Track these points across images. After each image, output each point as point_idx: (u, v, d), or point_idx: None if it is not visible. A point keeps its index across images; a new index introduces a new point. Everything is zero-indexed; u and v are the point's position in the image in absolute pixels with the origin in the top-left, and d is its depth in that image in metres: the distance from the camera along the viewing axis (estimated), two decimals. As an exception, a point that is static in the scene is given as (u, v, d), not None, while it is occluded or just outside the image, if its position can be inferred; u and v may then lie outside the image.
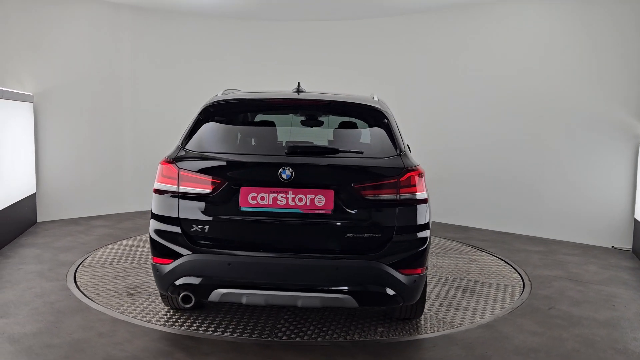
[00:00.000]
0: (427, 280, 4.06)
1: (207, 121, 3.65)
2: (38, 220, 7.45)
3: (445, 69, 8.25)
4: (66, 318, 3.96)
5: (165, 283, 3.42)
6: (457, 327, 4.00)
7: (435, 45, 8.34)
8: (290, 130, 3.95)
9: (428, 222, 3.49)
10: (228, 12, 8.64)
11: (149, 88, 8.55)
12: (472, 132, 8.01)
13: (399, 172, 3.37)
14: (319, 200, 3.29)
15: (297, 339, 3.70)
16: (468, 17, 7.96)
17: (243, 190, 3.32)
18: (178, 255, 3.35)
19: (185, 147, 3.55)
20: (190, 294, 3.36)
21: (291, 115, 4.10)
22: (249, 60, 9.15)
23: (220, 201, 3.36)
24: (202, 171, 3.40)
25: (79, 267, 5.30)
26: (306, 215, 3.31)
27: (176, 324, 3.90)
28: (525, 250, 6.54)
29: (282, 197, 3.29)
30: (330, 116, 4.01)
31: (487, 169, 7.87)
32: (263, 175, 3.37)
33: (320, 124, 4.03)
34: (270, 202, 3.30)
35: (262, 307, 4.21)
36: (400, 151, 3.55)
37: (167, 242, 3.40)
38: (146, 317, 4.02)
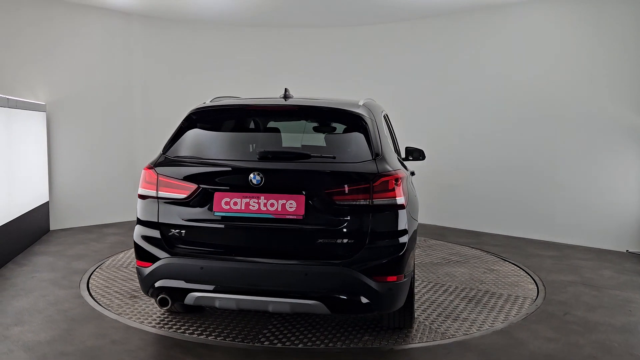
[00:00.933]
0: (414, 288, 3.89)
1: (190, 128, 3.69)
2: (51, 228, 7.51)
3: (457, 73, 8.23)
4: (79, 326, 3.98)
5: (146, 285, 3.50)
6: (450, 337, 3.92)
7: (447, 49, 8.32)
8: (268, 136, 3.93)
9: (405, 229, 3.40)
10: (239, 19, 8.70)
11: (160, 96, 8.61)
12: (483, 136, 7.98)
13: (372, 177, 3.29)
14: (290, 206, 3.28)
15: (310, 344, 3.69)
16: (479, 21, 7.94)
17: (217, 195, 3.36)
18: (156, 259, 3.43)
19: (166, 154, 3.63)
20: (167, 297, 3.42)
21: (271, 121, 4.06)
22: (260, 66, 9.18)
23: (195, 206, 3.41)
24: (179, 177, 3.47)
25: (92, 275, 5.32)
26: (277, 220, 3.29)
27: (188, 330, 3.90)
28: (538, 255, 6.47)
29: (254, 202, 3.30)
30: (309, 121, 3.98)
31: (499, 174, 7.83)
32: (235, 180, 3.39)
33: (300, 129, 4.01)
34: (243, 207, 3.31)
35: (276, 314, 4.21)
36: (377, 156, 3.44)
37: (148, 245, 3.48)
38: (160, 324, 4.03)
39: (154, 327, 3.98)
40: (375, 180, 3.28)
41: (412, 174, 4.52)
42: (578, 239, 7.09)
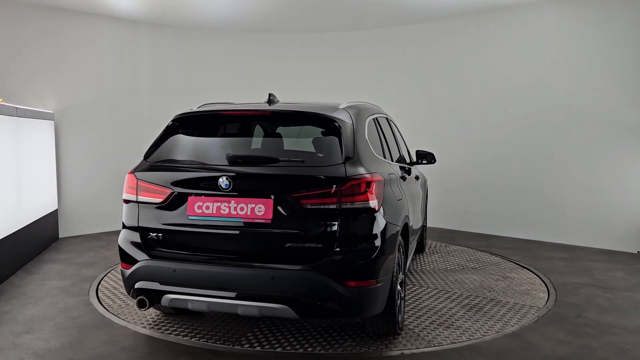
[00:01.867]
0: (396, 294, 3.76)
1: (171, 134, 3.79)
2: (60, 236, 7.55)
3: (464, 75, 8.21)
4: (89, 333, 3.98)
5: (127, 287, 3.61)
6: (437, 345, 3.85)
7: (455, 51, 8.30)
8: (241, 141, 3.93)
9: (377, 233, 3.35)
10: (245, 25, 8.73)
11: (168, 103, 8.63)
12: (491, 138, 7.94)
13: (340, 180, 3.25)
14: (259, 210, 3.31)
15: (289, 348, 3.68)
16: (487, 23, 7.92)
17: (190, 199, 3.45)
18: (136, 261, 3.55)
19: (148, 159, 3.73)
20: (145, 298, 3.51)
21: (245, 126, 4.05)
22: (268, 72, 9.20)
23: (171, 210, 3.51)
24: (156, 181, 3.56)
25: (101, 282, 5.34)
26: (247, 224, 3.34)
27: (197, 336, 3.89)
28: (549, 258, 6.42)
29: (225, 206, 3.36)
30: (283, 126, 3.96)
31: (507, 176, 7.79)
32: (207, 185, 3.43)
33: (274, 134, 3.97)
34: (215, 211, 3.38)
35: (286, 320, 4.20)
36: (348, 159, 3.39)
37: (129, 248, 3.62)
38: (169, 330, 4.03)
39: (163, 333, 3.97)
40: (344, 184, 3.25)
41: (417, 178, 4.45)
42: (589, 241, 7.03)
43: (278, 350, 3.68)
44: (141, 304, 3.53)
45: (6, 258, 5.40)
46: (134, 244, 3.60)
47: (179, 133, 3.80)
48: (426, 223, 6.77)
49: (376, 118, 4.43)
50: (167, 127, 3.83)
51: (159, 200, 3.53)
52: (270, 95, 4.03)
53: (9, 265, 5.51)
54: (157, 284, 3.46)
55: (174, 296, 3.44)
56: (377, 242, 3.35)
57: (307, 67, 9.29)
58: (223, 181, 3.34)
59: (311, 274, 3.21)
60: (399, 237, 3.82)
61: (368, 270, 3.30)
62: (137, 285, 3.53)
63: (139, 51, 8.41)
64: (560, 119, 7.24)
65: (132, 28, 8.27)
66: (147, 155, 3.77)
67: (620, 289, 5.11)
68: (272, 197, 3.30)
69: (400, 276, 3.94)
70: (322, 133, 3.63)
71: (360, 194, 3.28)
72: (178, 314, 4.33)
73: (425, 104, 8.60)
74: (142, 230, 3.60)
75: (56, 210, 7.38)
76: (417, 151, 5.64)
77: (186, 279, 3.39)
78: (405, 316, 4.30)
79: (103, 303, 4.69)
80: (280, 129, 3.94)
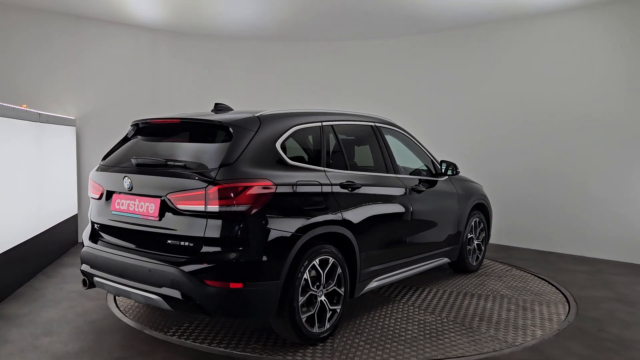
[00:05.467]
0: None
1: (124, 139, 4.37)
2: (79, 241, 7.62)
3: (482, 83, 8.14)
4: (107, 337, 4.01)
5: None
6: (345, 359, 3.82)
7: (473, 60, 8.25)
8: (157, 146, 4.15)
9: (243, 237, 3.42)
10: (263, 34, 8.79)
11: (186, 110, 8.71)
12: (510, 148, 7.86)
13: (209, 184, 3.41)
14: (150, 208, 3.69)
15: (223, 346, 3.65)
16: (505, 31, 7.86)
17: (114, 196, 3.98)
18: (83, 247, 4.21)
19: (103, 161, 4.27)
20: (85, 278, 4.10)
21: (164, 133, 4.28)
22: (285, 79, 9.24)
23: (103, 205, 4.09)
24: (97, 181, 4.15)
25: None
26: (144, 220, 3.74)
27: (216, 341, 3.89)
28: (570, 270, 6.31)
29: (132, 203, 3.83)
30: (191, 133, 4.11)
31: (527, 186, 7.69)
32: (120, 185, 3.88)
33: (180, 140, 4.08)
34: (126, 208, 3.87)
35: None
36: (225, 165, 3.48)
37: (84, 237, 4.27)
38: (185, 334, 4.03)
39: (179, 338, 3.98)
40: (210, 188, 3.40)
41: (352, 188, 4.20)
42: (611, 254, 6.89)
43: (188, 342, 3.92)
44: (83, 283, 4.12)
45: (26, 261, 5.48)
46: (87, 233, 4.25)
47: (127, 138, 4.33)
48: (484, 243, 6.27)
49: (331, 126, 4.39)
50: (127, 133, 4.36)
51: (97, 196, 4.14)
52: (217, 104, 4.41)
53: (29, 268, 5.58)
54: (89, 267, 4.04)
55: (97, 279, 3.95)
56: (246, 246, 3.44)
57: (325, 75, 9.29)
58: (125, 182, 3.81)
59: (176, 270, 3.42)
60: (319, 247, 3.80)
61: (234, 271, 3.42)
62: (81, 267, 4.13)
63: (159, 59, 8.51)
64: (581, 130, 7.13)
65: (152, 36, 8.38)
66: (104, 158, 4.29)
67: (644, 304, 4.99)
68: (161, 197, 3.62)
69: (332, 286, 3.91)
70: (215, 139, 3.80)
71: (229, 198, 3.40)
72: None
73: (443, 112, 8.54)
74: (92, 223, 4.24)
75: (76, 215, 7.47)
76: (441, 161, 5.65)
77: (102, 265, 3.91)
78: (338, 330, 4.13)
79: (120, 307, 4.72)
80: (187, 136, 4.10)
